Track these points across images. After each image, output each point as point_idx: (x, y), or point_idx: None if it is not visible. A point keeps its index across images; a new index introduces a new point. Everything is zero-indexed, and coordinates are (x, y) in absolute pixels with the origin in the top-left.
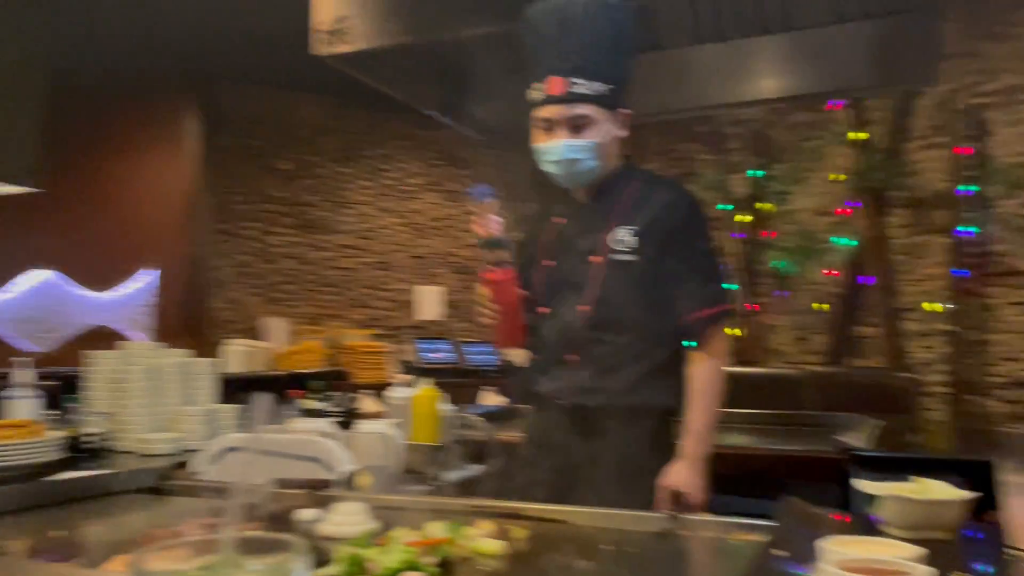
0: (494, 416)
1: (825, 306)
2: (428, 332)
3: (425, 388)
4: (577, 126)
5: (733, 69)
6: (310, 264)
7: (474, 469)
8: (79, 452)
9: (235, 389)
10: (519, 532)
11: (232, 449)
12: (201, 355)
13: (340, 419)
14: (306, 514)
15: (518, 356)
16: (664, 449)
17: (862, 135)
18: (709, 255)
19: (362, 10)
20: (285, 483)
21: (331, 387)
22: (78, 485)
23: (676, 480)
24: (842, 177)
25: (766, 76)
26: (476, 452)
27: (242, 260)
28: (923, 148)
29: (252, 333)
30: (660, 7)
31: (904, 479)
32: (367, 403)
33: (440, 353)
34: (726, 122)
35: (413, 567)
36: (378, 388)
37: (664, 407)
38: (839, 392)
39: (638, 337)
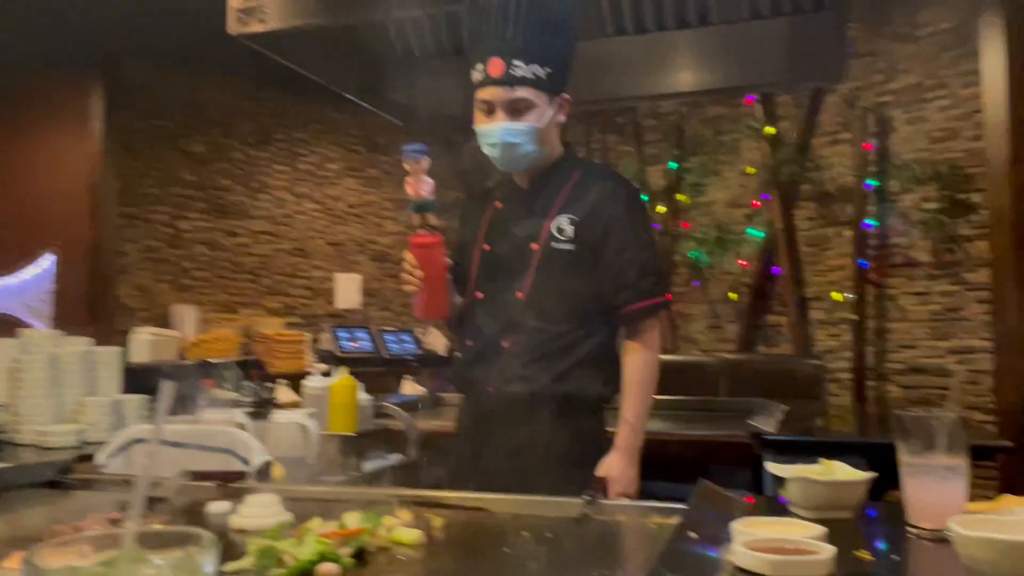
0: (413, 405)
1: (736, 296)
2: (346, 321)
3: (342, 377)
4: (517, 109)
5: (651, 62)
6: (223, 250)
7: (393, 459)
8: None
9: (142, 379)
10: (437, 520)
11: (138, 441)
12: (105, 344)
13: (254, 409)
14: (217, 507)
15: (438, 344)
16: (595, 437)
17: (773, 130)
18: (647, 247)
19: None
20: (196, 475)
21: (245, 377)
22: None
23: (611, 470)
24: (756, 171)
25: (683, 70)
26: (395, 442)
27: (150, 245)
28: (830, 144)
29: (161, 321)
30: None
31: (810, 461)
32: (283, 393)
33: (358, 342)
34: (644, 114)
35: (328, 558)
36: (294, 377)
37: (596, 396)
38: (750, 379)
39: (573, 326)
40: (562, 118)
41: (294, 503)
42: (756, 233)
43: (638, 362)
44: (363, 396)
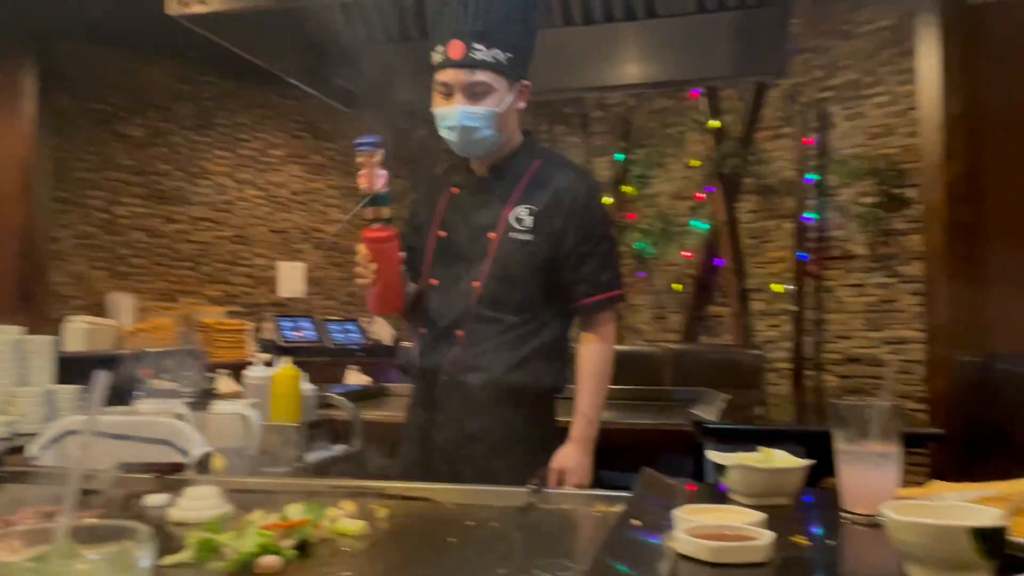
0: (358, 395)
1: (680, 287)
2: (290, 310)
3: (285, 367)
4: (476, 93)
5: (598, 53)
6: (162, 237)
7: (337, 450)
8: None
9: (76, 369)
10: (382, 511)
11: (71, 432)
12: (38, 332)
13: (193, 400)
14: (155, 499)
15: (384, 333)
16: (546, 428)
17: (717, 123)
18: (605, 241)
19: None
20: (133, 467)
21: (184, 366)
22: None
23: (567, 461)
24: (700, 164)
25: (630, 62)
26: (340, 432)
27: (85, 231)
28: (772, 138)
29: (97, 310)
30: None
31: (750, 449)
32: (224, 383)
33: (302, 331)
34: (591, 105)
35: (270, 551)
36: (236, 367)
37: (549, 387)
38: (693, 368)
39: (528, 317)
40: (522, 105)
41: (235, 495)
42: (700, 225)
43: (595, 355)
44: (306, 386)
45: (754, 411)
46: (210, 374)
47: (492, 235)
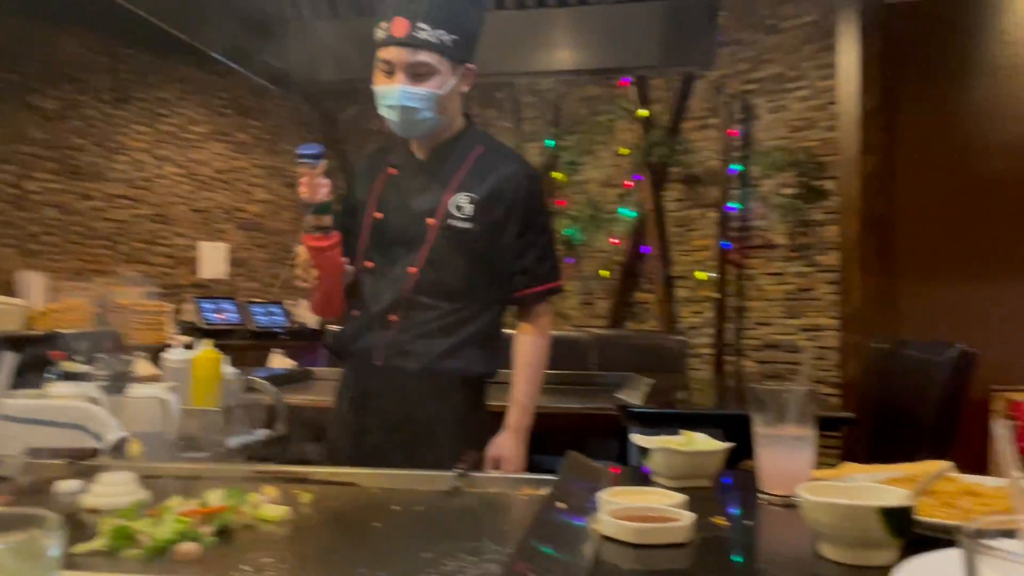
0: (282, 379)
1: (608, 273)
2: (211, 291)
3: (206, 350)
4: (418, 73)
5: (529, 38)
6: (76, 214)
7: (260, 434)
8: None
9: None
10: (305, 496)
11: None
12: None
13: (108, 383)
14: (67, 485)
15: (309, 316)
16: (477, 414)
17: (646, 112)
18: (545, 231)
19: None
20: (44, 453)
21: (99, 348)
22: None
23: (502, 450)
24: (629, 152)
25: (561, 48)
26: (262, 417)
27: None
28: (699, 128)
29: (4, 289)
30: None
31: (673, 433)
32: (141, 366)
33: (224, 314)
34: (523, 90)
35: (189, 537)
36: (154, 350)
37: (481, 373)
38: (619, 353)
39: (464, 305)
40: (465, 88)
41: (153, 481)
42: (627, 213)
43: (532, 346)
44: (228, 369)
45: (677, 395)
46: (127, 357)
47: (431, 221)
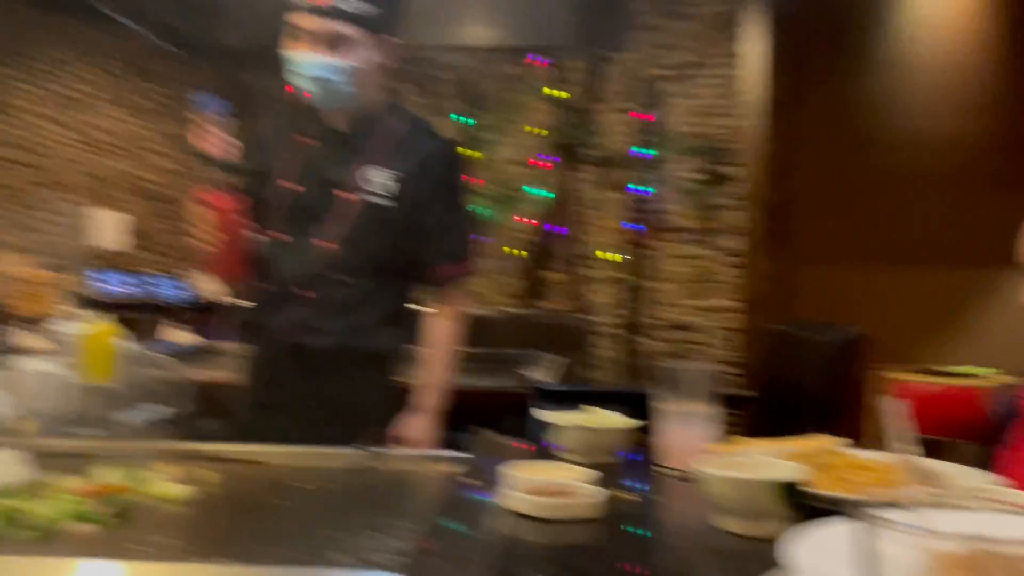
0: (184, 354)
1: (520, 252)
2: (108, 262)
3: (100, 323)
4: (334, 44)
5: (444, 12)
6: None
7: (160, 411)
8: None
9: None
10: (210, 475)
11: None
12: None
13: None
14: None
15: (213, 289)
16: (387, 393)
17: (560, 93)
18: (466, 214)
19: None
20: None
21: None
22: None
23: (412, 431)
24: (542, 132)
25: (474, 24)
26: (163, 393)
27: None
28: (610, 111)
29: None
30: None
31: (579, 409)
32: (30, 339)
33: (124, 286)
34: (437, 66)
35: (84, 517)
36: (44, 322)
37: (392, 352)
38: (528, 332)
39: (378, 282)
40: (389, 62)
41: (45, 459)
42: (540, 192)
43: (447, 327)
44: (126, 344)
45: (584, 373)
46: (14, 329)
47: (351, 197)
